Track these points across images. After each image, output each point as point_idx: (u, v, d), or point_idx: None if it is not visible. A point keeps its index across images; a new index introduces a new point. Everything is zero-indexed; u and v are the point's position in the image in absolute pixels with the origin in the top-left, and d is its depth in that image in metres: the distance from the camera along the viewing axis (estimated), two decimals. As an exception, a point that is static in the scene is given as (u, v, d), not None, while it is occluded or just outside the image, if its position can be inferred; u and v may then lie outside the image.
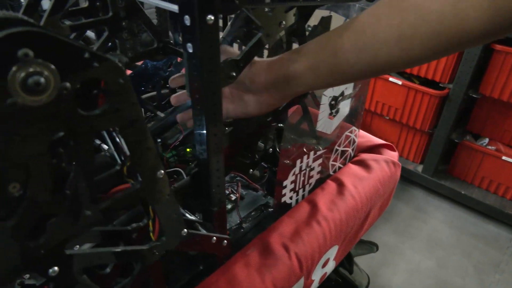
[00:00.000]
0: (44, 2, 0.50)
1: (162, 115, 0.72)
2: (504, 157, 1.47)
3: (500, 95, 1.37)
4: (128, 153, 0.32)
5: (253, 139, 0.58)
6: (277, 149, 0.68)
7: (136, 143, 0.32)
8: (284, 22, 0.44)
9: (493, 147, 1.53)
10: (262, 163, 0.68)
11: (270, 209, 0.64)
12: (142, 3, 0.46)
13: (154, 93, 0.76)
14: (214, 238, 0.47)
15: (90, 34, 0.62)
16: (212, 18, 0.32)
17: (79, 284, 0.33)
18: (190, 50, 0.34)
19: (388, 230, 1.54)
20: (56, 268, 0.31)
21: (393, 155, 0.74)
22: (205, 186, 0.43)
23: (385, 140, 0.79)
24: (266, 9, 0.42)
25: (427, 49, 0.36)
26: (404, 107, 1.61)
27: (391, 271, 1.37)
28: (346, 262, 1.02)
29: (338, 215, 0.60)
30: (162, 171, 0.36)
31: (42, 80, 0.23)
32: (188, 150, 0.76)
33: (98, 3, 0.45)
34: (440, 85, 1.49)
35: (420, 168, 1.70)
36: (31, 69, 0.23)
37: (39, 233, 0.29)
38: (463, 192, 1.58)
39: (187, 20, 0.32)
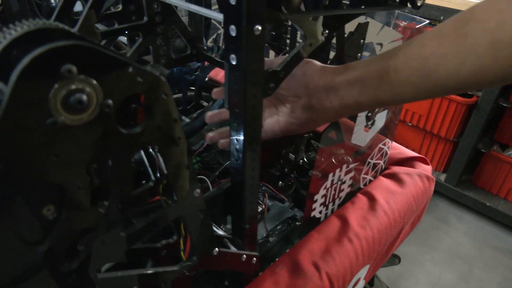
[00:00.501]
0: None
1: (187, 120, 0.71)
2: (533, 170, 1.41)
3: (533, 105, 1.32)
4: (165, 171, 0.30)
5: (284, 150, 0.56)
6: (305, 159, 0.66)
7: (175, 162, 0.29)
8: (326, 31, 0.42)
9: (522, 159, 1.47)
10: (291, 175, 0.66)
11: (297, 223, 0.61)
12: (176, 7, 0.44)
13: (179, 95, 0.74)
14: (244, 256, 0.45)
15: (121, 37, 0.61)
16: (260, 28, 0.30)
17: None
18: (234, 62, 0.31)
19: (408, 241, 1.49)
20: (87, 292, 0.29)
21: (427, 169, 0.70)
22: (238, 204, 0.41)
23: (406, 147, 0.76)
24: (310, 18, 0.39)
25: None
26: (429, 114, 1.56)
27: (411, 283, 1.33)
28: (367, 274, 0.99)
29: (370, 233, 0.57)
30: (199, 190, 0.33)
31: (85, 97, 0.21)
32: (212, 156, 0.74)
33: (132, 7, 0.43)
34: (468, 92, 1.44)
35: (443, 177, 1.65)
36: (73, 86, 0.21)
37: (70, 257, 0.27)
38: (488, 204, 1.53)
39: (232, 30, 0.30)
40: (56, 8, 0.37)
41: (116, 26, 0.42)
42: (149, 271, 0.34)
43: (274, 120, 0.45)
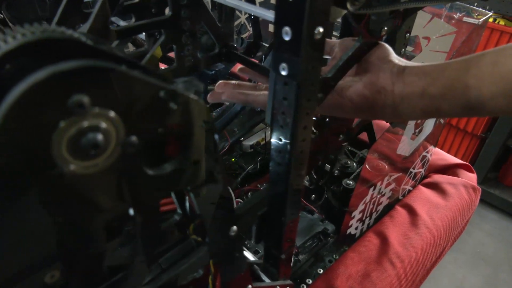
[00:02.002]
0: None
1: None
2: None
3: None
4: (198, 211, 0.24)
5: (319, 161, 0.49)
6: (338, 168, 0.59)
7: (211, 202, 0.23)
8: (386, 28, 0.35)
9: (554, 157, 1.38)
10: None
11: (330, 238, 0.55)
12: (204, -2, 0.37)
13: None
14: (278, 287, 0.39)
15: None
16: (321, 31, 0.23)
17: None
18: (284, 73, 0.25)
19: (429, 240, 1.43)
20: None
21: (472, 178, 0.63)
22: (275, 233, 0.35)
23: None
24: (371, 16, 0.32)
25: None
26: (455, 107, 1.47)
27: (432, 287, 1.27)
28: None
29: (413, 253, 0.51)
30: (235, 228, 0.27)
31: (100, 137, 0.15)
32: (233, 160, 0.68)
33: (152, -2, 0.36)
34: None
35: (467, 174, 1.57)
36: (85, 124, 0.15)
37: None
38: (514, 203, 1.45)
39: (287, 33, 0.23)
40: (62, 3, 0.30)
41: (133, 21, 0.35)
42: (176, 322, 0.28)
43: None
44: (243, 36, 0.60)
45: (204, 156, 0.21)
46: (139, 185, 0.19)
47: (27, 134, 0.14)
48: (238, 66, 0.45)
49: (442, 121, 0.57)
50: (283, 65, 0.25)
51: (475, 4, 0.54)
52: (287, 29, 0.23)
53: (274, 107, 0.28)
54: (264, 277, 0.41)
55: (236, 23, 0.76)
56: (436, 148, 0.68)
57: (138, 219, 0.20)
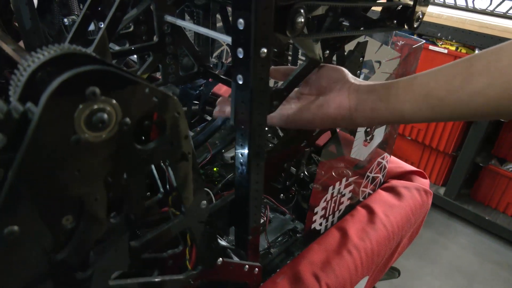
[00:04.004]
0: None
1: (191, 133, 0.72)
2: (531, 184, 1.42)
3: (529, 120, 1.34)
4: (175, 184, 0.31)
5: (286, 164, 0.57)
6: (305, 173, 0.67)
7: (185, 176, 0.31)
8: (327, 51, 0.44)
9: (519, 173, 1.48)
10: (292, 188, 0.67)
11: (298, 235, 0.63)
12: (185, 28, 0.47)
13: (184, 109, 0.76)
14: (247, 266, 0.46)
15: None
16: (266, 51, 0.32)
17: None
18: (240, 82, 0.33)
19: (407, 254, 1.49)
20: (99, 299, 0.30)
21: (425, 183, 0.72)
22: (242, 215, 0.43)
23: (405, 161, 0.77)
24: (311, 40, 0.41)
25: None
26: (427, 128, 1.58)
27: (410, 297, 1.33)
28: (367, 287, 0.99)
29: (369, 245, 0.58)
30: (205, 202, 0.35)
31: (106, 116, 0.23)
32: (215, 169, 0.76)
33: (143, 28, 0.45)
34: (465, 107, 1.47)
35: (442, 190, 1.66)
36: (96, 106, 0.23)
37: (84, 266, 0.29)
38: (487, 218, 1.54)
39: (240, 53, 0.32)
40: (73, 28, 0.39)
41: (127, 46, 0.44)
42: (157, 279, 0.35)
43: (284, 111, 0.45)
44: (224, 61, 0.70)
45: (179, 139, 0.29)
46: (130, 155, 0.26)
47: (60, 112, 0.22)
48: (221, 87, 0.53)
49: (393, 132, 0.66)
50: (239, 76, 0.33)
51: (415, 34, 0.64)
52: (240, 49, 0.32)
53: (236, 109, 0.36)
54: (236, 260, 0.48)
55: (219, 50, 0.86)
56: (394, 157, 0.77)
57: (129, 181, 0.27)
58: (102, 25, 0.38)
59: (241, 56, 0.32)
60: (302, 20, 0.34)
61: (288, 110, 0.44)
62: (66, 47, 0.25)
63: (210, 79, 0.68)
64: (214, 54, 0.73)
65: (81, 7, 0.50)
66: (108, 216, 0.29)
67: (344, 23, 0.46)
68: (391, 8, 0.48)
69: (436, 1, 1.59)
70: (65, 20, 0.50)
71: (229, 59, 0.86)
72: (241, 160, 0.39)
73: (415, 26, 0.49)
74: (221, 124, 0.75)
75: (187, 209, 0.33)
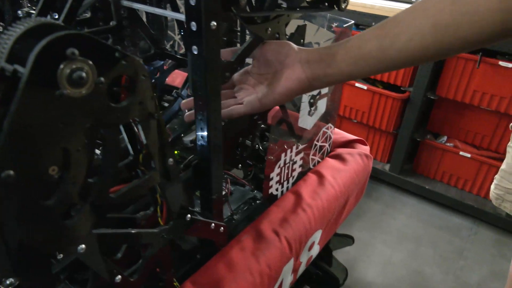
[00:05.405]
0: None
1: (150, 119, 0.76)
2: (461, 153, 1.60)
3: (455, 96, 1.51)
4: (144, 142, 0.36)
5: (242, 137, 0.63)
6: (261, 148, 0.74)
7: (153, 133, 0.36)
8: (270, 29, 0.50)
9: (451, 144, 1.66)
10: (248, 162, 0.74)
11: (258, 201, 0.69)
12: (140, 11, 0.51)
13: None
14: (213, 224, 0.52)
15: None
16: (215, 24, 0.38)
17: (101, 262, 0.37)
18: (195, 52, 0.39)
19: (360, 227, 1.62)
20: (83, 245, 0.34)
21: (365, 149, 0.81)
22: (205, 176, 0.48)
23: None
24: (255, 17, 0.47)
25: (459, 39, 0.39)
26: (370, 110, 1.72)
27: (365, 264, 1.45)
28: (326, 255, 1.08)
29: (320, 203, 0.66)
30: (172, 159, 0.40)
31: (84, 74, 0.28)
32: (176, 152, 0.80)
33: (99, 14, 0.49)
34: (401, 88, 1.62)
35: (387, 167, 1.81)
36: (75, 65, 0.27)
37: (68, 215, 0.33)
38: (427, 187, 1.70)
39: (193, 26, 0.37)
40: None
41: (86, 30, 0.48)
42: (133, 231, 0.39)
43: (253, 97, 0.51)
44: (177, 49, 0.74)
45: (147, 99, 0.34)
46: (106, 111, 0.31)
47: (45, 70, 0.26)
48: (175, 79, 0.56)
49: (334, 103, 0.74)
50: (194, 47, 0.39)
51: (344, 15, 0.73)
52: (193, 23, 0.37)
53: (193, 78, 0.41)
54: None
55: (171, 42, 0.90)
56: (338, 129, 0.85)
57: (105, 136, 0.32)
58: (57, 17, 0.41)
59: (194, 29, 0.37)
60: (245, -2, 0.40)
61: (254, 99, 0.51)
62: (43, 19, 0.29)
63: (165, 67, 0.72)
64: (168, 45, 0.77)
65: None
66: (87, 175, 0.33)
67: (283, 5, 0.53)
68: (321, -9, 0.55)
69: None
70: (19, 12, 0.52)
71: (182, 50, 0.91)
72: (202, 125, 0.44)
73: (342, 7, 0.57)
74: (178, 109, 0.79)
75: (156, 165, 0.38)
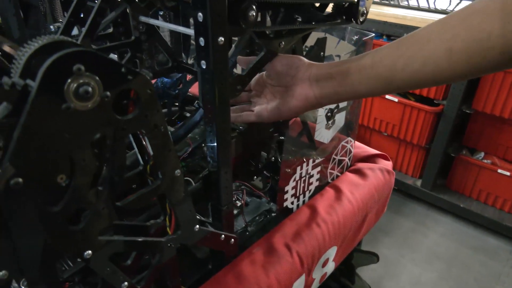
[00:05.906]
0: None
1: (172, 129, 0.78)
2: (499, 170, 1.51)
3: (492, 110, 1.43)
4: (151, 153, 0.37)
5: (257, 149, 0.64)
6: (279, 159, 0.74)
7: (159, 145, 0.37)
8: (283, 43, 0.51)
9: (488, 161, 1.57)
10: (265, 173, 0.74)
11: (273, 214, 0.69)
12: (158, 27, 0.53)
13: (165, 110, 0.82)
14: (223, 236, 0.52)
15: (112, 54, 0.69)
16: (223, 39, 0.38)
17: (107, 268, 0.38)
18: (204, 67, 0.40)
19: (388, 244, 1.56)
20: (90, 251, 0.36)
21: (387, 164, 0.79)
22: (215, 187, 0.49)
23: None
24: (268, 32, 0.48)
25: (471, 66, 0.38)
26: (401, 123, 1.67)
27: (392, 283, 1.39)
28: (348, 272, 1.05)
29: (336, 218, 0.64)
30: (179, 171, 0.41)
31: (90, 89, 0.29)
32: (182, 164, 0.82)
33: (121, 29, 0.52)
34: (434, 101, 1.56)
35: (419, 182, 1.74)
36: (81, 80, 0.29)
37: (77, 222, 0.34)
38: (461, 206, 1.62)
39: (201, 41, 0.38)
40: (58, 33, 0.45)
41: (108, 44, 0.51)
42: (140, 239, 0.41)
43: (263, 107, 0.52)
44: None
45: (152, 111, 0.35)
46: (111, 123, 0.32)
47: (52, 85, 0.28)
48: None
49: (354, 117, 0.73)
50: (202, 62, 0.40)
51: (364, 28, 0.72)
52: (201, 38, 0.38)
53: (202, 91, 0.42)
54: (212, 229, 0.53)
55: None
56: (360, 143, 0.84)
57: (112, 146, 0.33)
58: (83, 29, 0.44)
59: (202, 44, 0.38)
60: (254, 13, 0.40)
61: (264, 110, 0.52)
62: (55, 37, 0.31)
63: (188, 77, 0.74)
64: (191, 57, 0.79)
65: (65, 14, 0.56)
66: (96, 183, 0.35)
67: (298, 19, 0.53)
68: (339, 5, 0.55)
69: (401, 4, 1.70)
70: (51, 27, 0.56)
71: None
72: (210, 135, 0.45)
73: (361, 20, 0.57)
74: (199, 119, 0.81)
75: (163, 175, 0.39)
